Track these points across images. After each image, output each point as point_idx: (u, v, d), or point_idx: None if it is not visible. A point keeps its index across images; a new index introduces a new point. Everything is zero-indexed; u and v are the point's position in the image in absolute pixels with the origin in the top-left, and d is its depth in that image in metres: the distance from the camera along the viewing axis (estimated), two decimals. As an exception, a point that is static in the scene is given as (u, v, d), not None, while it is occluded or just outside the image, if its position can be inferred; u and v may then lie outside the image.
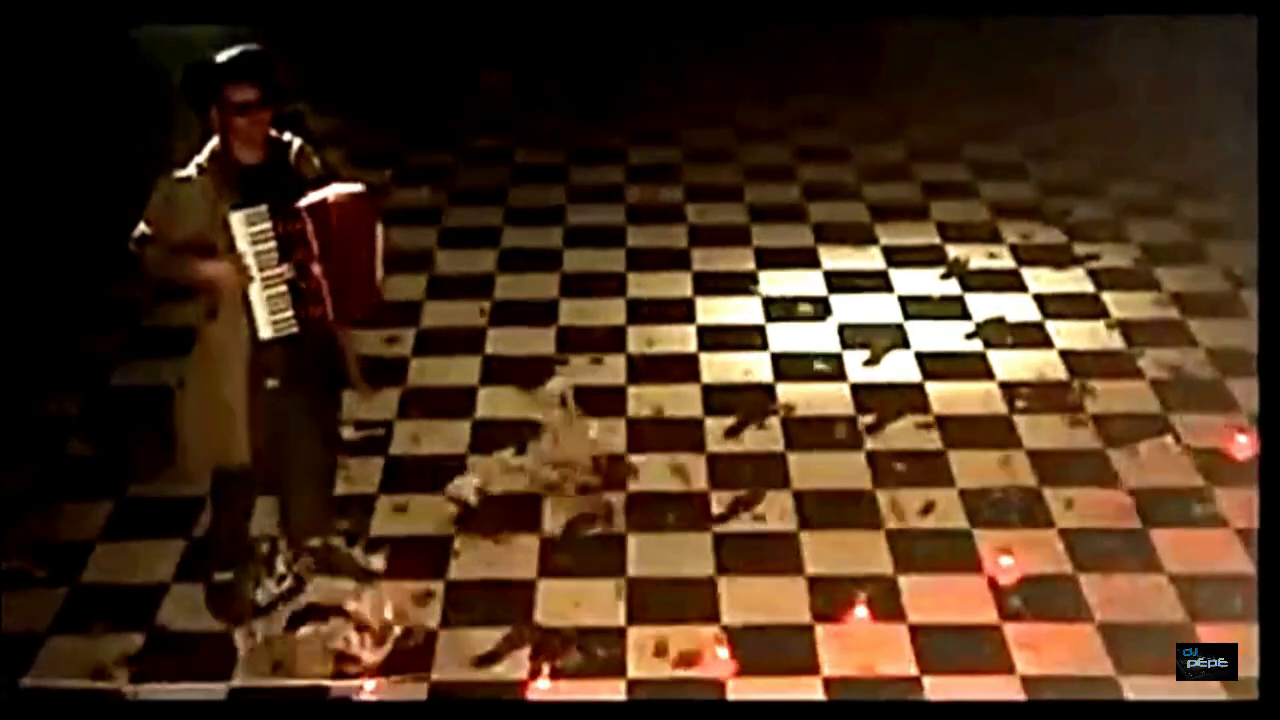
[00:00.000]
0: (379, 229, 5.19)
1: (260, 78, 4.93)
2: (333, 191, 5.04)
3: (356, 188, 5.12)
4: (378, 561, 5.76)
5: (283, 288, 5.06)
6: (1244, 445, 6.29)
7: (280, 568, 5.60)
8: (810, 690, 5.13)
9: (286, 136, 5.17)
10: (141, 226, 5.00)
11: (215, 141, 5.02)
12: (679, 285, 7.92)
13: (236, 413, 5.13)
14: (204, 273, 5.00)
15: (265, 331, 5.08)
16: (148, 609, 5.52)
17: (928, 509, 6.05)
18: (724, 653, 5.26)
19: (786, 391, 6.90)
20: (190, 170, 4.99)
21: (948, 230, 8.49)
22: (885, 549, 5.81)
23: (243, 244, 4.96)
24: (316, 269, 5.02)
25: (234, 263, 4.95)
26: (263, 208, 4.96)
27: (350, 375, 5.53)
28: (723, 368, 7.12)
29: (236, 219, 4.95)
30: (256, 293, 5.03)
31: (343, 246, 5.06)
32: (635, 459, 6.39)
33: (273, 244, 5.00)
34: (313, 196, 5.00)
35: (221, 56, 4.91)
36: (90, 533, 5.95)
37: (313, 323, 5.13)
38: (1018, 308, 7.64)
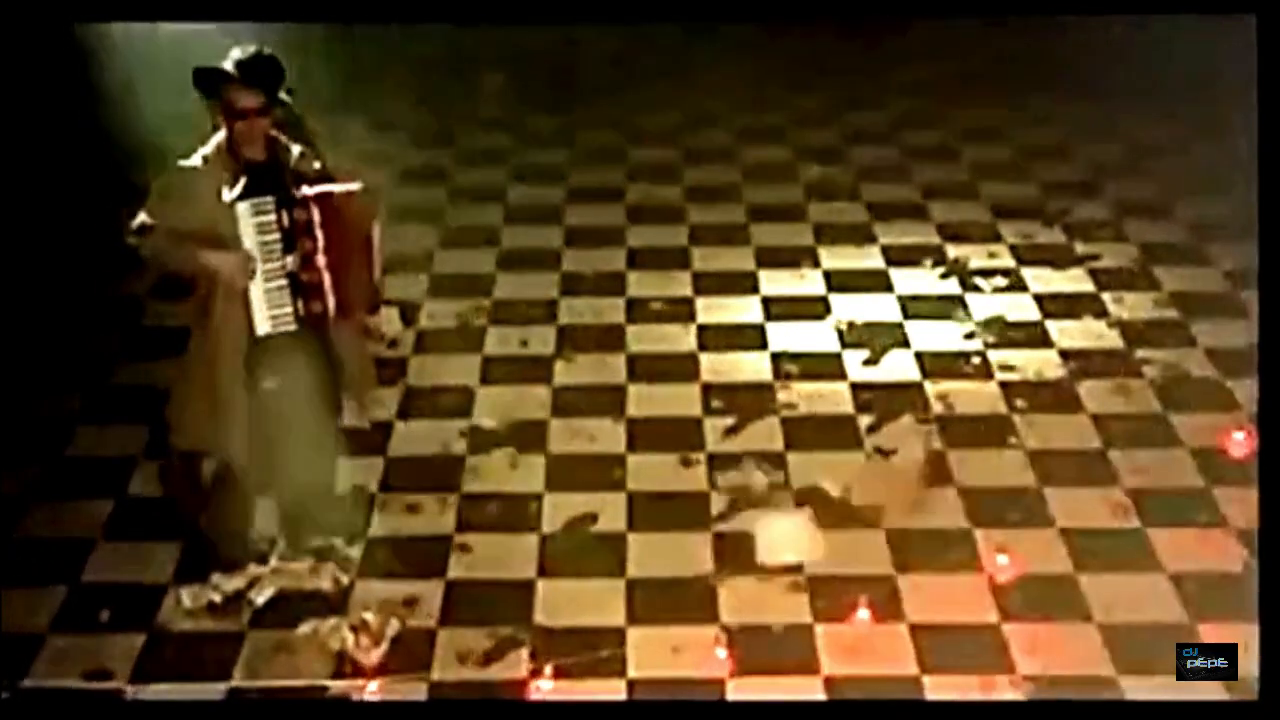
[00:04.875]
0: (376, 228, 5.20)
1: (262, 84, 4.94)
2: (337, 186, 5.06)
3: (356, 185, 5.13)
4: (376, 561, 5.75)
5: (283, 282, 5.06)
6: (1243, 445, 6.29)
7: (278, 567, 5.60)
8: (810, 690, 5.12)
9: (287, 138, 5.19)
10: (141, 216, 5.01)
11: (221, 135, 5.04)
12: (679, 284, 7.92)
13: (229, 409, 5.14)
14: (207, 261, 5.00)
15: (263, 327, 5.08)
16: (148, 609, 5.51)
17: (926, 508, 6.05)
18: (724, 653, 5.26)
19: (786, 391, 6.90)
20: (195, 161, 5.02)
21: (947, 230, 8.49)
22: (885, 549, 5.81)
23: (247, 234, 4.96)
24: (320, 261, 5.03)
25: (237, 254, 4.96)
26: (269, 199, 4.98)
27: (360, 381, 5.53)
28: (723, 367, 7.12)
29: (243, 209, 4.95)
30: (257, 286, 5.03)
31: (344, 241, 5.07)
32: (635, 459, 6.40)
33: (277, 235, 5.01)
34: (318, 188, 5.01)
35: (228, 59, 4.93)
36: (90, 533, 5.95)
37: (312, 319, 5.13)
38: (1017, 307, 7.64)
